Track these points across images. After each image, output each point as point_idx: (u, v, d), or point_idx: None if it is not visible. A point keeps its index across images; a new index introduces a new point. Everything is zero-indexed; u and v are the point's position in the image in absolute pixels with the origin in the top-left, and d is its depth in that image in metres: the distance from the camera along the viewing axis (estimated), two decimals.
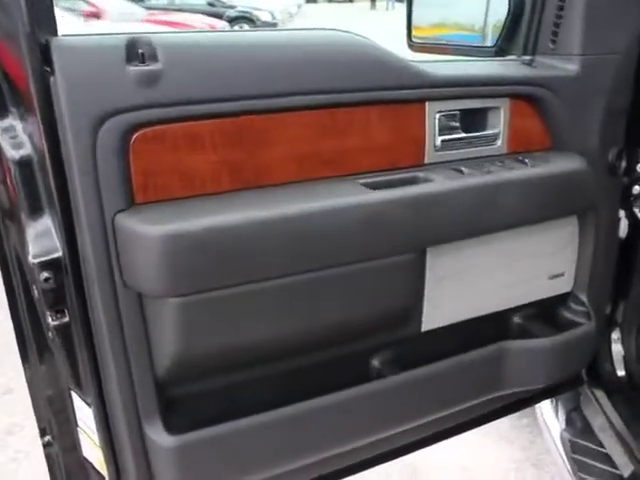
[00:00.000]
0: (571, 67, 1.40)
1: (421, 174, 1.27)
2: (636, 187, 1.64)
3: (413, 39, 1.76)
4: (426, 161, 1.30)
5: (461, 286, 1.41)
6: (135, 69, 1.00)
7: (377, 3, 31.97)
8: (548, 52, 1.43)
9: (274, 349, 1.21)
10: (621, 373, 1.89)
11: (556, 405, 2.14)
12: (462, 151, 1.35)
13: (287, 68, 1.12)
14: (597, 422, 1.99)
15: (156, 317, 1.08)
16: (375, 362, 1.39)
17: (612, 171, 1.53)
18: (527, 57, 1.40)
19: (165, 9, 13.99)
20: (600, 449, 1.90)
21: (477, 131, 1.36)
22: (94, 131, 0.98)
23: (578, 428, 2.03)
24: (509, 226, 1.35)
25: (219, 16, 14.37)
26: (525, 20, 1.50)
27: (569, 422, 2.08)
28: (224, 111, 1.07)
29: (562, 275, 1.60)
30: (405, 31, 1.76)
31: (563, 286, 1.62)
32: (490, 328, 1.52)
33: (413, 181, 1.25)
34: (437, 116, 1.29)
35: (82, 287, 1.05)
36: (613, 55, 1.41)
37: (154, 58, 1.02)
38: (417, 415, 1.41)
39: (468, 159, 1.35)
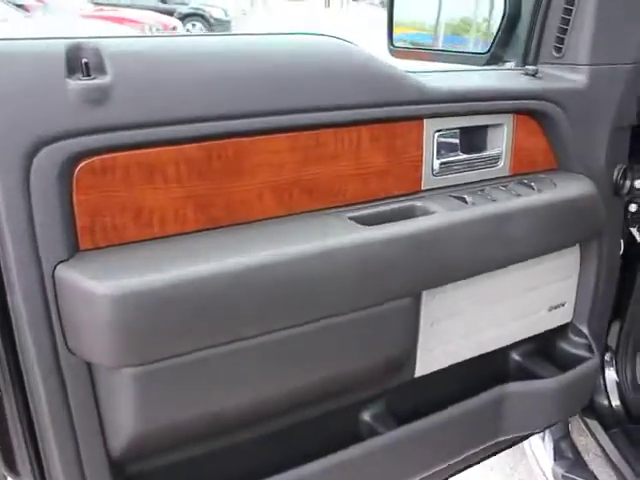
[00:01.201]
0: (579, 78, 1.25)
1: (418, 203, 1.10)
2: (632, 205, 1.51)
3: (395, 44, 1.58)
4: (423, 187, 1.13)
5: (457, 326, 1.25)
6: (78, 84, 0.80)
7: (331, 0, 31.86)
8: (552, 61, 1.28)
9: (249, 415, 1.01)
10: (616, 403, 1.77)
11: (543, 432, 2.01)
12: (462, 174, 1.18)
13: (265, 82, 0.93)
14: (590, 454, 1.86)
15: (108, 389, 0.88)
16: (365, 416, 1.21)
17: (616, 191, 1.39)
18: (531, 67, 1.25)
19: (114, 5, 13.50)
20: None
21: (477, 151, 1.20)
22: (26, 162, 0.78)
23: (570, 460, 1.90)
24: (515, 260, 1.19)
25: (171, 13, 13.96)
26: (523, 25, 1.35)
27: (558, 452, 1.94)
28: (189, 135, 0.88)
29: (562, 305, 1.45)
30: (386, 34, 1.58)
31: (563, 317, 1.48)
32: (487, 367, 1.36)
33: (410, 213, 1.08)
34: (436, 135, 1.12)
35: (16, 355, 0.84)
36: (623, 65, 1.27)
37: (101, 69, 0.82)
38: (412, 473, 1.24)
39: (468, 183, 1.19)
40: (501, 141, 1.21)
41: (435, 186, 1.15)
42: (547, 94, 1.21)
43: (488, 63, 1.43)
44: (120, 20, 11.36)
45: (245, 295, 0.89)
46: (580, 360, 1.45)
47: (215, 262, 0.87)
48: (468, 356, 1.30)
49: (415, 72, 1.13)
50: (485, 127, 1.20)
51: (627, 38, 1.25)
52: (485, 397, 1.29)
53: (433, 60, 1.55)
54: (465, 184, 1.18)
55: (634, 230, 1.63)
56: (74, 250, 0.83)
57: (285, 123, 0.94)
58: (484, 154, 1.20)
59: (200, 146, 0.89)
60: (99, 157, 0.83)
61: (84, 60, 0.80)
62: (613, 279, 1.52)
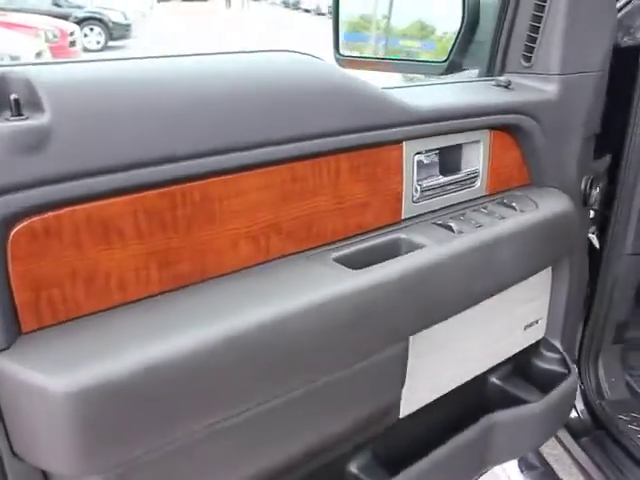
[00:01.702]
0: (550, 88, 1.18)
1: (403, 235, 0.99)
2: (590, 212, 1.48)
3: (341, 52, 1.47)
4: (404, 215, 1.03)
5: (440, 359, 1.15)
6: (6, 126, 0.63)
7: (232, 1, 31.47)
8: (521, 70, 1.21)
9: None
10: (581, 409, 1.74)
11: None
12: (441, 198, 1.08)
13: (233, 111, 0.78)
14: (564, 465, 1.83)
15: None
16: (352, 469, 1.10)
17: (585, 202, 1.35)
18: (502, 78, 1.17)
19: (1, 9, 12.60)
20: None
21: (454, 171, 1.11)
22: None
23: (538, 470, 1.86)
24: (504, 287, 1.11)
25: (66, 17, 13.18)
26: (483, 32, 1.27)
27: (525, 462, 1.90)
28: (148, 180, 0.72)
29: (536, 322, 1.40)
30: (332, 43, 1.46)
31: (537, 334, 1.42)
32: (469, 396, 1.28)
33: (396, 248, 0.97)
34: (415, 158, 1.01)
35: None
36: (592, 73, 1.21)
37: (36, 106, 0.65)
38: None
39: (447, 207, 1.09)
40: (477, 159, 1.13)
41: (416, 213, 1.04)
42: (522, 107, 1.14)
43: (446, 72, 1.34)
44: (9, 25, 10.56)
45: (227, 368, 0.74)
46: (557, 376, 1.40)
47: (189, 333, 0.72)
48: (451, 387, 1.21)
49: (388, 88, 1.02)
50: (461, 145, 1.10)
51: (595, 46, 1.20)
52: (472, 430, 1.21)
53: (386, 70, 1.44)
54: (444, 208, 1.08)
55: (592, 236, 1.60)
56: (15, 335, 0.66)
57: (258, 158, 0.80)
58: (461, 174, 1.11)
59: (161, 192, 0.74)
60: (39, 216, 0.66)
61: (13, 96, 0.64)
62: (583, 290, 1.48)
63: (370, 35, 1.62)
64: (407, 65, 1.40)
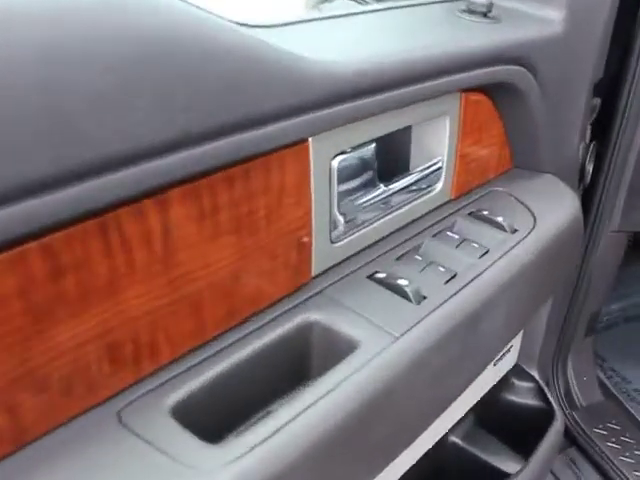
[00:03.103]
0: (554, 16, 0.71)
1: (314, 317, 0.53)
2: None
3: None
4: (315, 271, 0.56)
5: None
6: None
7: None
8: None
9: None
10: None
11: None
12: (381, 224, 0.61)
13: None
14: None
15: None
16: None
17: (580, 178, 0.92)
18: (482, 2, 0.67)
19: None
20: None
21: (401, 171, 0.64)
22: None
23: None
24: (491, 358, 0.68)
25: None
26: None
27: None
28: None
29: (508, 352, 0.99)
30: None
31: (508, 363, 1.02)
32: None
33: (297, 360, 0.52)
34: (334, 164, 0.53)
35: None
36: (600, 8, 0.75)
37: None
38: None
39: (392, 236, 0.63)
40: (439, 146, 0.66)
41: (338, 260, 0.58)
42: (513, 51, 0.66)
43: None
44: None
45: None
46: (534, 413, 1.03)
47: None
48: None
49: (270, 27, 0.52)
50: (410, 129, 0.63)
51: None
52: None
53: None
54: (387, 240, 0.62)
55: None
56: None
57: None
58: (414, 175, 0.64)
59: None
60: None
61: None
62: (566, 303, 1.09)
63: None
64: None
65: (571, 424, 1.33)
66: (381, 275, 0.57)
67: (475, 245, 0.63)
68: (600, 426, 1.36)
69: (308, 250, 0.54)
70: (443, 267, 0.59)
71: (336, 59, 0.49)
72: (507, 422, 1.06)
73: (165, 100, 0.37)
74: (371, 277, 0.57)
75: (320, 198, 0.53)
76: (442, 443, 0.95)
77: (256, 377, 0.50)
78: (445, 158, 0.67)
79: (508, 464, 0.95)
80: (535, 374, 1.06)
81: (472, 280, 0.58)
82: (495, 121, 0.72)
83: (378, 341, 0.50)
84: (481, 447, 0.97)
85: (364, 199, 0.58)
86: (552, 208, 0.72)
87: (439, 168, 0.67)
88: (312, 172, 0.51)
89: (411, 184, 0.64)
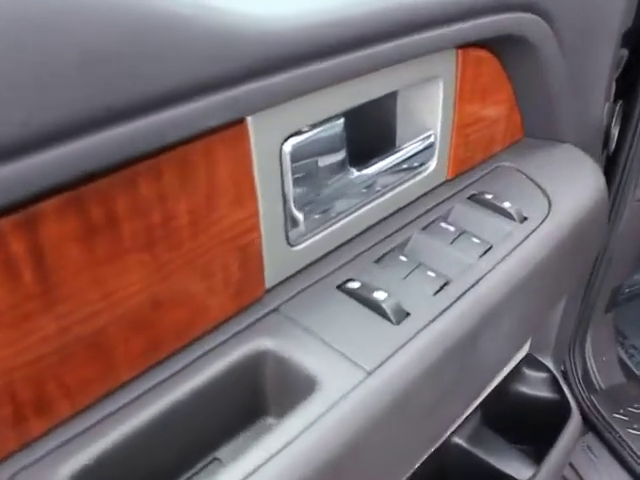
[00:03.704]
0: None
1: (267, 345, 0.41)
2: None
3: None
4: (269, 282, 0.44)
5: None
6: None
7: None
8: None
9: None
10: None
11: None
12: (354, 219, 0.50)
13: None
14: None
15: None
16: None
17: (605, 144, 0.79)
18: None
19: None
20: None
21: (382, 150, 0.51)
22: None
23: None
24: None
25: None
26: None
27: None
28: None
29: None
30: None
31: (521, 352, 0.92)
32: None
33: (248, 402, 0.41)
34: (287, 149, 0.41)
35: None
36: None
37: None
38: None
39: (367, 233, 0.51)
40: (432, 115, 0.53)
41: (297, 268, 0.46)
42: None
43: None
44: None
45: None
46: (548, 406, 0.93)
47: None
48: None
49: None
50: (395, 96, 0.51)
51: None
52: None
53: None
54: (361, 236, 0.50)
55: None
56: None
57: None
58: (399, 154, 0.52)
59: None
60: None
61: None
62: (585, 279, 0.97)
63: None
64: None
65: (589, 409, 1.23)
66: (354, 285, 0.45)
67: (475, 240, 0.51)
68: (621, 411, 1.26)
69: (257, 258, 0.42)
70: (433, 271, 0.47)
71: (280, 10, 0.37)
72: (518, 418, 0.96)
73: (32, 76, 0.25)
74: (341, 287, 0.45)
75: (269, 192, 0.41)
76: (445, 445, 0.85)
77: (191, 423, 0.39)
78: (439, 130, 0.54)
79: (518, 470, 0.84)
80: (549, 364, 0.95)
81: (469, 289, 0.46)
82: (501, 83, 0.59)
83: (345, 378, 0.39)
84: (489, 450, 0.86)
85: (332, 188, 0.46)
86: (571, 187, 0.59)
87: (432, 143, 0.54)
88: (255, 160, 0.39)
89: (396, 165, 0.52)
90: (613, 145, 0.81)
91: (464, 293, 0.46)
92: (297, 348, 0.41)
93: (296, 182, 0.43)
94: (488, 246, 0.51)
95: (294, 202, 0.43)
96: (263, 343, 0.41)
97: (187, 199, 0.36)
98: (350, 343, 0.41)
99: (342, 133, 0.45)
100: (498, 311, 0.47)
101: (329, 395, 0.38)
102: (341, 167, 0.46)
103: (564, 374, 1.25)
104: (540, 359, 0.95)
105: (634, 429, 1.22)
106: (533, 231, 0.53)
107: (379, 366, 0.40)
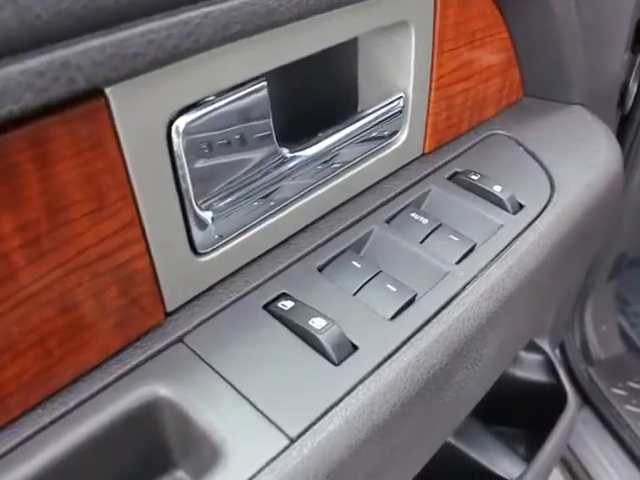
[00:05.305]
0: None
1: (166, 395, 0.30)
2: None
3: None
4: (170, 305, 0.33)
5: None
6: None
7: None
8: None
9: None
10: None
11: None
12: (294, 209, 0.38)
13: None
14: None
15: None
16: None
17: (620, 103, 0.68)
18: None
19: None
20: None
21: (338, 117, 0.39)
22: None
23: None
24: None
25: None
26: None
27: None
28: None
29: None
30: None
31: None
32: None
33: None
34: (181, 127, 0.29)
35: None
36: None
37: None
38: None
39: (313, 224, 0.40)
40: (402, 72, 0.40)
41: (211, 280, 0.35)
42: None
43: None
44: None
45: None
46: (543, 390, 0.84)
47: None
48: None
49: None
50: (355, 46, 0.38)
51: None
52: None
53: None
54: (300, 234, 0.39)
55: None
56: None
57: None
58: (358, 124, 0.39)
59: None
60: None
61: None
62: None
63: None
64: None
65: (586, 382, 1.14)
66: (286, 304, 0.34)
67: (453, 238, 0.39)
68: (619, 385, 1.17)
69: (147, 276, 0.31)
70: (394, 285, 0.36)
71: None
72: (511, 403, 0.87)
73: None
74: (269, 308, 0.34)
75: (155, 189, 0.29)
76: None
77: None
78: (411, 91, 0.41)
79: (508, 469, 0.76)
80: (545, 346, 0.85)
81: (441, 309, 0.35)
82: (495, 27, 0.46)
83: (262, 447, 0.28)
84: (478, 448, 0.77)
85: (256, 176, 0.34)
86: (580, 164, 0.47)
87: (402, 107, 0.42)
88: (125, 148, 0.27)
89: (353, 137, 0.39)
90: (630, 103, 0.69)
91: (435, 315, 0.34)
92: (201, 399, 0.30)
93: (198, 172, 0.31)
94: (470, 246, 0.39)
95: (196, 198, 0.31)
96: (156, 389, 0.30)
97: (13, 214, 0.24)
98: (273, 395, 0.30)
99: (266, 101, 0.33)
100: (480, 335, 0.36)
101: (240, 469, 0.28)
102: (268, 147, 0.34)
103: (561, 346, 1.16)
104: (537, 342, 0.86)
105: (632, 405, 1.14)
106: (530, 223, 0.41)
107: (306, 430, 0.29)
